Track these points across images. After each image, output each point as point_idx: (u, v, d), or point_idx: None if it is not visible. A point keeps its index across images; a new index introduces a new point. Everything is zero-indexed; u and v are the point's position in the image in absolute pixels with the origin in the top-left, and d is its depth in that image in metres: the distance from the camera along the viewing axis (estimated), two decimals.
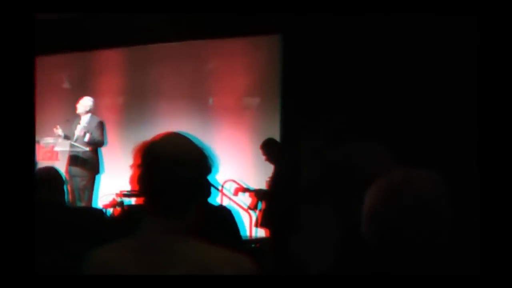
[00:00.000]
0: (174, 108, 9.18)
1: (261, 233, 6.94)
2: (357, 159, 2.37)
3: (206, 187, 1.86)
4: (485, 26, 1.91)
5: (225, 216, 5.12)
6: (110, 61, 9.91)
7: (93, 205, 8.19)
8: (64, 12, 6.60)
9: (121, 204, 6.82)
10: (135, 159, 1.84)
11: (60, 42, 9.34)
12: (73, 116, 8.57)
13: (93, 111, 8.55)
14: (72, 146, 8.22)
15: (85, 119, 8.41)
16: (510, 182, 1.75)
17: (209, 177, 1.86)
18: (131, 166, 1.83)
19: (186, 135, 1.88)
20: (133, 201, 6.70)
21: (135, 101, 9.54)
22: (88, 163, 8.21)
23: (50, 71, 10.08)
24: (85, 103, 8.46)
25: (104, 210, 6.57)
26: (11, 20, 1.77)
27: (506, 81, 1.84)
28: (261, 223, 6.67)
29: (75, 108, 8.53)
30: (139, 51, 9.56)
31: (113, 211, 6.75)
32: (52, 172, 4.41)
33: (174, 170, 1.78)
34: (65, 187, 4.41)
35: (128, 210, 4.28)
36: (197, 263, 1.76)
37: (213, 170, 1.85)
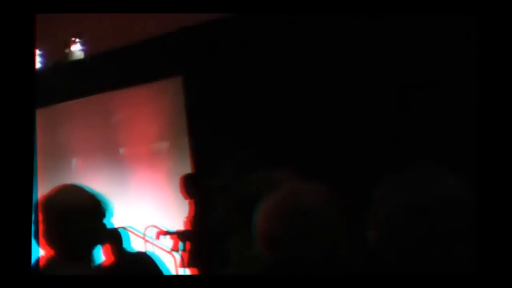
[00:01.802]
0: (89, 163, 9.16)
1: (188, 273, 6.97)
2: (256, 187, 2.39)
3: (101, 231, 1.95)
4: (486, 26, 1.88)
5: (145, 261, 5.17)
6: None
7: None
8: (64, 12, 6.50)
9: None
10: (37, 214, 1.93)
11: None
12: None
13: None
14: None
15: None
16: (510, 182, 1.72)
17: (105, 221, 1.96)
18: (36, 222, 1.93)
19: (78, 186, 1.98)
20: None
21: (50, 161, 9.44)
22: None
23: None
24: None
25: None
26: (11, 20, 1.77)
27: (506, 81, 1.81)
28: (188, 263, 6.69)
29: None
30: (44, 112, 9.49)
31: None
32: None
33: (69, 218, 1.87)
34: None
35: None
36: None
37: (107, 214, 1.95)
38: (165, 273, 5.40)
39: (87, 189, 1.98)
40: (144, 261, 5.13)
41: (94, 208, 1.94)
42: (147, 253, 5.92)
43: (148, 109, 8.92)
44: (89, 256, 1.91)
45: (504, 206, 1.69)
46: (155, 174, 8.53)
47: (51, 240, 1.93)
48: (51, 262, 3.00)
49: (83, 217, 1.91)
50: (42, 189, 7.32)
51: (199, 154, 8.17)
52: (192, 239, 6.65)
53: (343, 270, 1.81)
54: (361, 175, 6.08)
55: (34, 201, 1.89)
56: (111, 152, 9.17)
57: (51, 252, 1.93)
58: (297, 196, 1.85)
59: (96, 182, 8.51)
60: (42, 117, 9.52)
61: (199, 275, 6.47)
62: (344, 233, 1.86)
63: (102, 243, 1.91)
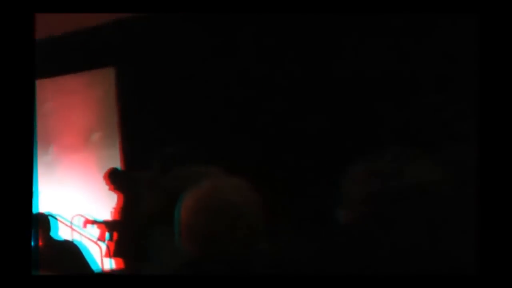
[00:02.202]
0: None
1: (113, 264, 7.03)
2: (180, 181, 2.41)
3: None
4: (486, 26, 1.87)
5: (71, 250, 5.24)
6: None
7: None
8: (64, 12, 6.33)
9: None
10: None
11: None
12: None
13: None
14: None
15: None
16: (510, 182, 1.72)
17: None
18: None
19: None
20: None
21: None
22: None
23: None
24: None
25: None
26: (11, 20, 1.75)
27: (506, 81, 1.81)
28: (113, 253, 6.76)
29: None
30: None
31: None
32: None
33: None
34: None
35: None
36: None
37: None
38: (91, 263, 5.49)
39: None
40: (71, 250, 5.21)
41: None
42: (74, 241, 5.98)
43: (80, 99, 8.91)
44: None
45: (504, 206, 1.69)
46: (84, 163, 8.55)
47: None
48: None
49: None
50: None
51: (128, 146, 8.24)
52: (119, 229, 6.72)
53: (262, 267, 1.83)
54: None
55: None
56: (41, 139, 9.11)
57: None
58: (218, 190, 1.89)
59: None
60: None
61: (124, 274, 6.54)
62: (263, 228, 1.89)
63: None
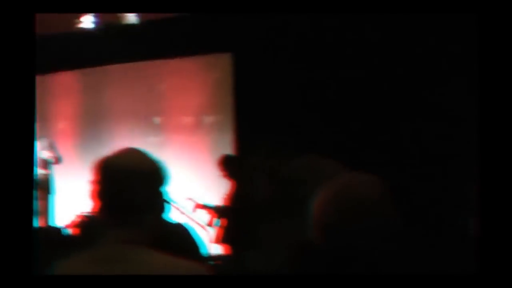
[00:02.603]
0: (129, 129, 9.20)
1: (220, 249, 7.00)
2: (303, 172, 2.49)
3: (159, 199, 1.96)
4: (485, 25, 1.89)
5: (184, 233, 5.18)
6: (63, 84, 9.87)
7: (50, 225, 8.14)
8: (64, 12, 6.54)
9: (83, 224, 6.80)
10: (93, 175, 1.93)
11: None
12: None
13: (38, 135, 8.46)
14: None
15: None
16: (510, 182, 1.73)
17: (162, 189, 1.96)
18: (90, 182, 1.93)
19: (140, 150, 1.98)
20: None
21: (90, 123, 9.55)
22: (40, 184, 8.16)
23: None
24: None
25: (61, 229, 6.55)
26: (11, 20, 1.78)
27: (506, 81, 1.82)
28: (221, 239, 6.73)
29: None
30: (92, 73, 9.58)
31: (73, 230, 6.73)
32: None
33: (129, 182, 1.87)
34: None
35: (83, 224, 4.33)
36: (154, 272, 1.82)
37: (165, 182, 1.95)
38: (201, 248, 5.41)
39: (148, 154, 1.98)
40: (183, 233, 5.15)
41: (155, 174, 1.94)
42: (186, 225, 5.92)
43: (195, 82, 8.94)
44: (139, 222, 1.92)
45: (504, 206, 1.70)
46: (196, 146, 8.57)
47: (105, 201, 1.92)
48: (95, 223, 3.03)
49: (143, 181, 1.91)
50: (78, 147, 7.43)
51: (242, 132, 8.18)
52: (229, 216, 6.67)
53: (394, 265, 1.81)
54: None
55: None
56: (154, 120, 9.23)
57: (101, 214, 1.94)
58: (355, 187, 1.89)
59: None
60: (86, 78, 9.63)
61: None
62: (397, 227, 1.89)
63: (156, 213, 1.91)
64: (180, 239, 5.20)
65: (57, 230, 6.13)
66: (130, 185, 1.89)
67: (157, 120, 9.23)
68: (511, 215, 1.70)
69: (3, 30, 1.80)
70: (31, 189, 1.79)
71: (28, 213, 1.83)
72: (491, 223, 1.71)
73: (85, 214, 6.95)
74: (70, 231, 6.66)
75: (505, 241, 1.67)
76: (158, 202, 1.95)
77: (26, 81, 1.72)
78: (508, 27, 1.85)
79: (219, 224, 6.82)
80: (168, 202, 1.96)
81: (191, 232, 5.39)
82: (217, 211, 6.84)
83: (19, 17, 1.85)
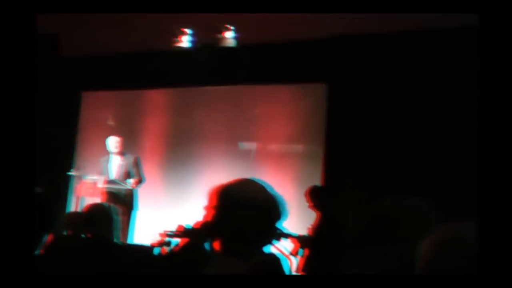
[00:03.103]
0: (216, 151, 9.29)
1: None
2: (403, 212, 2.45)
3: (275, 233, 1.91)
4: (487, 25, 1.88)
5: (277, 264, 5.17)
6: (155, 101, 10.07)
7: (130, 242, 8.22)
8: (64, 12, 6.66)
9: (168, 243, 6.84)
10: (210, 200, 1.92)
11: (107, 79, 9.61)
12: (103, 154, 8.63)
13: (123, 149, 8.59)
14: (110, 183, 8.28)
15: (118, 158, 8.49)
16: (510, 182, 1.74)
17: (278, 224, 1.91)
18: (205, 208, 1.90)
19: (259, 182, 1.94)
20: (178, 241, 6.72)
21: (177, 142, 9.67)
22: (124, 200, 8.25)
23: (96, 107, 10.32)
24: (115, 142, 8.52)
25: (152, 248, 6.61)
26: (12, 20, 1.79)
27: (506, 81, 1.82)
28: (303, 269, 6.68)
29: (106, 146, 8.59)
30: (184, 93, 9.74)
31: (161, 250, 6.78)
32: (102, 209, 4.50)
33: (248, 213, 1.84)
34: (114, 224, 4.47)
35: (186, 247, 4.34)
36: None
37: (283, 217, 1.90)
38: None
39: (267, 187, 1.94)
40: (275, 263, 5.13)
41: (273, 207, 1.91)
42: (278, 255, 5.90)
43: (287, 109, 8.95)
44: (251, 254, 1.88)
45: (504, 206, 1.70)
46: (284, 175, 8.56)
47: (218, 228, 1.91)
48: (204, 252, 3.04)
49: (261, 215, 1.89)
50: (163, 165, 7.47)
51: (332, 163, 8.12)
52: (312, 246, 6.63)
53: None
54: None
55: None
56: (238, 145, 9.27)
57: (216, 242, 1.91)
58: (462, 235, 1.83)
59: (224, 172, 8.66)
60: (179, 96, 9.78)
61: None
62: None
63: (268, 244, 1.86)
64: (273, 269, 5.18)
65: (149, 250, 6.20)
66: (248, 217, 1.89)
67: (246, 145, 9.27)
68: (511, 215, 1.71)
69: (4, 29, 1.81)
70: (31, 189, 1.79)
71: (29, 210, 1.82)
72: (491, 223, 1.71)
73: (168, 233, 7.06)
74: (159, 252, 6.73)
75: (505, 241, 1.67)
76: (271, 237, 1.91)
77: (26, 81, 1.73)
78: (509, 28, 1.84)
79: (302, 253, 6.77)
80: (280, 237, 1.92)
81: (283, 263, 5.35)
82: (301, 240, 6.79)
83: (19, 17, 1.86)
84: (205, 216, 1.91)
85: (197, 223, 5.69)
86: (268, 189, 1.92)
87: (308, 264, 6.58)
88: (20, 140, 1.67)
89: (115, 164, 8.46)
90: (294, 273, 6.99)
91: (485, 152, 1.79)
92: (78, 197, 8.36)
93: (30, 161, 1.63)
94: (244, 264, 1.89)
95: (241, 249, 1.86)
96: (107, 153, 8.56)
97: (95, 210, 4.40)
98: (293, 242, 6.92)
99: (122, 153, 8.50)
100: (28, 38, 1.81)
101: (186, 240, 4.68)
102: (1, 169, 1.66)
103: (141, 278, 1.68)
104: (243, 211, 1.85)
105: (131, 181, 8.27)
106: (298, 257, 6.87)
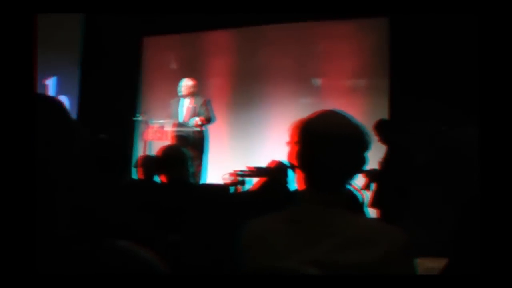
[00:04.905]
0: (281, 89, 9.34)
1: (372, 213, 7.02)
2: (466, 142, 2.48)
3: (362, 163, 1.95)
4: (486, 26, 1.85)
5: (355, 199, 5.25)
6: (218, 42, 10.09)
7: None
8: (64, 12, 6.67)
9: (242, 182, 6.94)
10: (292, 136, 1.90)
11: (169, 23, 9.62)
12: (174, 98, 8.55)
13: (196, 91, 8.49)
14: (180, 126, 8.22)
15: (188, 100, 8.41)
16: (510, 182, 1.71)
17: (364, 155, 1.92)
18: (288, 143, 1.93)
19: (342, 113, 1.94)
20: (253, 180, 6.82)
21: (243, 82, 9.73)
22: (195, 143, 8.19)
23: (159, 52, 10.41)
24: (187, 85, 8.43)
25: (227, 187, 6.70)
26: (11, 20, 1.80)
27: (506, 81, 1.79)
28: (372, 203, 6.74)
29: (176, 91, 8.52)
30: (247, 32, 9.73)
31: (236, 189, 6.89)
32: (177, 151, 4.59)
33: (334, 145, 1.83)
34: (189, 165, 4.55)
35: (267, 185, 4.37)
36: (353, 236, 1.77)
37: (369, 146, 1.92)
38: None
39: (351, 118, 1.92)
40: (352, 197, 5.19)
41: (360, 136, 1.89)
42: (352, 190, 5.98)
43: (350, 45, 8.92)
44: (337, 187, 1.90)
45: (506, 206, 1.69)
46: (349, 110, 8.56)
47: (307, 166, 1.88)
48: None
49: (347, 145, 1.85)
50: (229, 106, 7.57)
51: (397, 96, 8.11)
52: (380, 180, 6.68)
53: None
54: None
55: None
56: (305, 83, 9.30)
57: (300, 177, 1.90)
58: None
59: (288, 110, 8.74)
60: (239, 37, 9.80)
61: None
62: None
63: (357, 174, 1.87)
64: (354, 204, 5.27)
65: (225, 189, 6.26)
66: (334, 148, 1.84)
67: (314, 81, 9.29)
68: None
69: (2, 30, 1.82)
70: (33, 187, 1.78)
71: (30, 208, 1.83)
72: (491, 223, 1.69)
73: (238, 173, 7.20)
74: (235, 190, 6.84)
75: (506, 241, 1.66)
76: (360, 166, 1.90)
77: (26, 81, 1.76)
78: (509, 28, 1.81)
79: (373, 188, 6.83)
80: (363, 167, 1.91)
81: (358, 197, 5.43)
82: (371, 175, 6.83)
83: (19, 17, 1.87)
84: (289, 152, 1.93)
85: (272, 162, 5.76)
86: (351, 120, 1.92)
87: (378, 198, 6.64)
88: (20, 140, 1.70)
89: (185, 107, 8.40)
90: (366, 208, 7.07)
91: (485, 153, 1.77)
92: (146, 142, 8.34)
93: (30, 161, 1.65)
94: (334, 195, 1.85)
95: (331, 181, 1.88)
96: (175, 96, 8.52)
97: (171, 152, 4.44)
98: (363, 176, 6.97)
99: (193, 94, 8.42)
100: (28, 37, 1.85)
101: (264, 179, 4.76)
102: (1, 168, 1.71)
103: (142, 278, 1.69)
104: (332, 142, 1.83)
105: (197, 118, 8.20)
106: (369, 191, 6.92)
